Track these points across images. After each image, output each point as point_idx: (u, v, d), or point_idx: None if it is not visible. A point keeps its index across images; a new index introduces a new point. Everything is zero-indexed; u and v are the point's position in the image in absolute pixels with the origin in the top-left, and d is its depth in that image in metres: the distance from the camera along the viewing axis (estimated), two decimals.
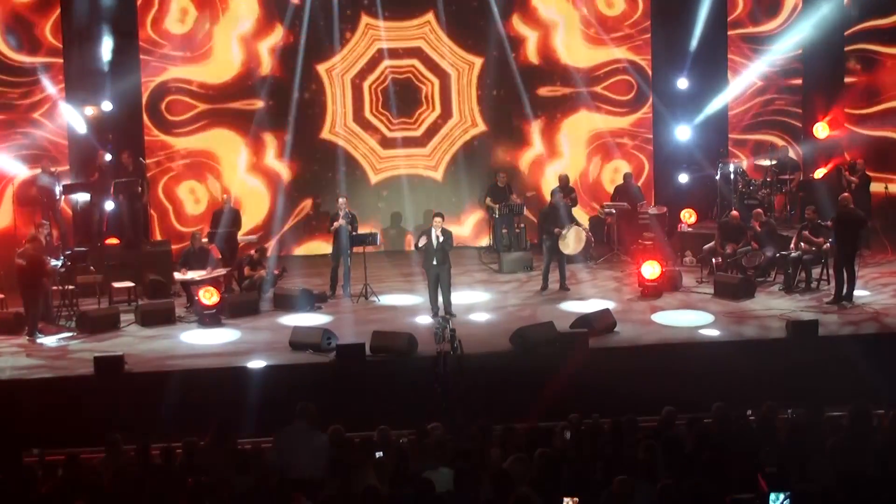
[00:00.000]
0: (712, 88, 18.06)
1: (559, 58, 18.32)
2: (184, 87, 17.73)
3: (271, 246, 17.52)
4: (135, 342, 13.40)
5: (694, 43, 17.77)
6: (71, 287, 14.58)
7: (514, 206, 17.37)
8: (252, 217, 17.86)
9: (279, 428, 9.09)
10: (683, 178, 18.11)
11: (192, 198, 18.02)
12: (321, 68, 18.00)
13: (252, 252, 16.10)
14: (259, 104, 17.81)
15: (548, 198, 16.85)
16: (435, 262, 13.85)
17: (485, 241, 18.33)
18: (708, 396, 9.96)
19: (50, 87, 16.98)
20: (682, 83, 17.96)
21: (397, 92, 18.08)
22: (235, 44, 17.72)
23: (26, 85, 17.13)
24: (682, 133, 18.10)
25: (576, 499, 7.00)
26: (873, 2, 18.02)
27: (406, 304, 14.95)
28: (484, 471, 7.76)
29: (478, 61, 18.24)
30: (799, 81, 18.55)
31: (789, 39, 18.22)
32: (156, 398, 11.42)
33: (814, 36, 17.89)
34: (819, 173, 17.91)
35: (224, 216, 16.21)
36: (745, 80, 18.44)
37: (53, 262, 14.03)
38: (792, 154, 18.32)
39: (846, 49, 18.31)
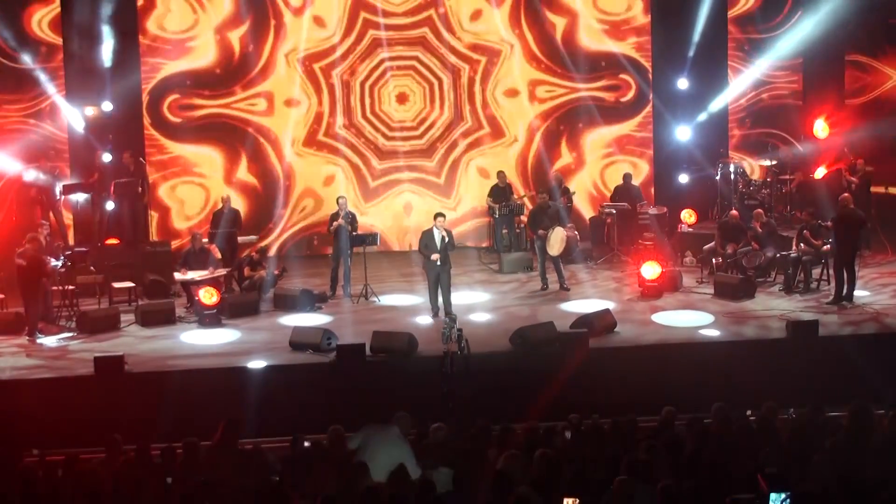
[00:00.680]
0: (712, 88, 18.08)
1: None
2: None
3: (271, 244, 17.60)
4: (135, 342, 13.40)
5: (694, 43, 17.80)
6: (71, 287, 14.57)
7: (515, 206, 17.39)
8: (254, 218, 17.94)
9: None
10: (683, 178, 18.13)
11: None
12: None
13: (252, 252, 16.12)
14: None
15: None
16: (437, 263, 13.85)
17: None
18: (708, 396, 9.96)
19: (50, 87, 16.98)
20: (682, 83, 17.98)
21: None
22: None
23: (26, 85, 17.12)
24: (682, 133, 18.11)
25: (576, 499, 6.99)
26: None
27: (406, 304, 14.95)
28: (484, 471, 7.76)
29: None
30: (799, 81, 18.54)
31: (789, 39, 18.23)
32: (156, 398, 11.41)
33: (814, 36, 17.89)
34: (819, 173, 17.90)
35: (224, 216, 16.22)
36: (746, 79, 18.44)
37: (53, 262, 14.02)
38: (792, 154, 18.33)
39: (846, 48, 18.35)
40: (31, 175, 16.52)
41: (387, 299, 15.13)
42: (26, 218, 16.37)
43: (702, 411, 9.52)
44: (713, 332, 13.17)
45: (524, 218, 17.26)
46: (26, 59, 17.00)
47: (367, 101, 18.23)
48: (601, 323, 13.06)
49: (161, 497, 7.87)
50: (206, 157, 18.05)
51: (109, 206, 16.68)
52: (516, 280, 16.27)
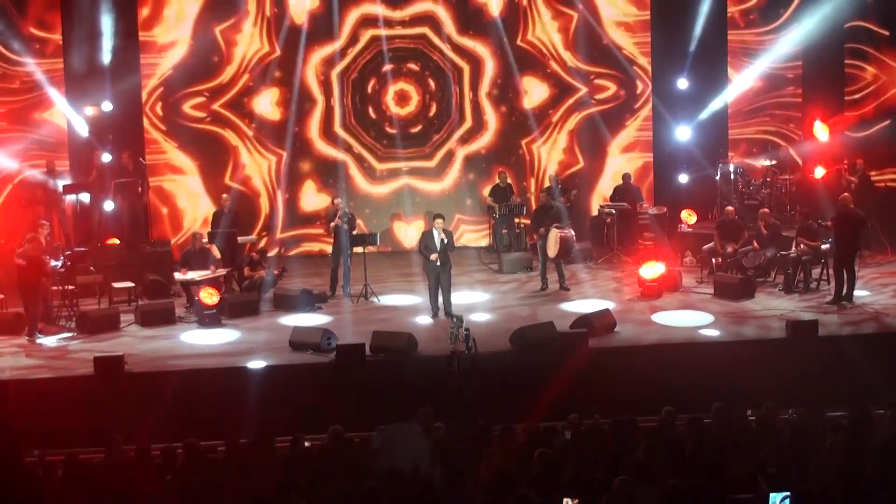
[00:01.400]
0: (712, 88, 18.08)
1: None
2: None
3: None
4: (135, 342, 13.39)
5: (694, 43, 17.80)
6: (71, 287, 14.57)
7: (515, 206, 17.39)
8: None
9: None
10: (683, 178, 18.13)
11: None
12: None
13: (252, 252, 16.13)
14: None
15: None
16: (437, 263, 13.86)
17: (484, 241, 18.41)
18: (708, 396, 9.96)
19: (50, 86, 16.97)
20: (682, 83, 17.98)
21: None
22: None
23: (26, 84, 17.11)
24: (682, 133, 18.11)
25: (576, 499, 7.00)
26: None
27: (406, 304, 14.95)
28: (484, 471, 7.77)
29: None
30: (799, 81, 18.54)
31: (790, 39, 18.23)
32: (156, 398, 11.41)
33: (814, 35, 17.89)
34: (819, 173, 17.89)
35: (224, 217, 16.22)
36: (746, 79, 18.44)
37: (53, 263, 14.02)
38: (792, 154, 18.33)
39: (846, 47, 18.35)
40: (48, 179, 16.52)
41: (387, 299, 15.13)
42: (28, 218, 16.37)
43: (702, 411, 9.52)
44: (713, 332, 13.17)
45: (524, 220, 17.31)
46: (26, 59, 16.97)
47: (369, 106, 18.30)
48: (601, 323, 13.06)
49: (161, 497, 7.86)
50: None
51: (109, 206, 16.66)
52: (516, 280, 16.27)
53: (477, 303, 14.74)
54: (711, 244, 15.59)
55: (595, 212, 18.18)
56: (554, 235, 15.02)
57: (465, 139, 18.41)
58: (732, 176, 17.47)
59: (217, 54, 17.75)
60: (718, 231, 15.59)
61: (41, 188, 16.73)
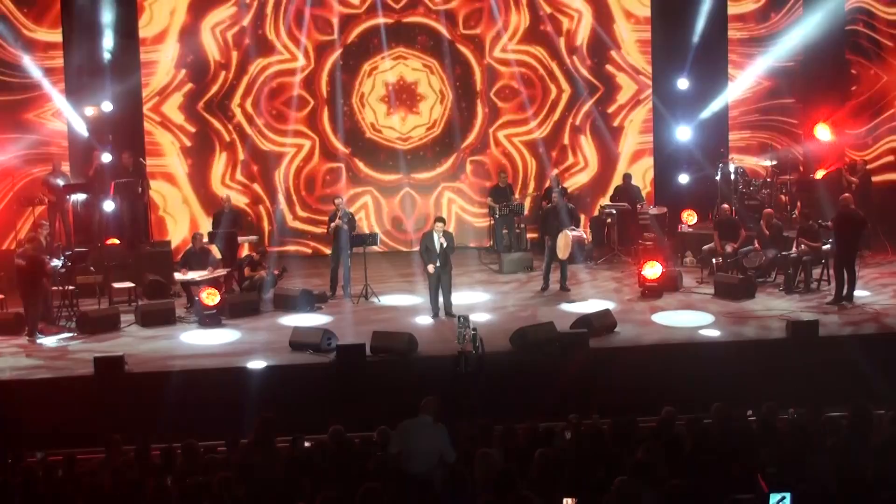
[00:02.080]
0: (712, 88, 18.08)
1: None
2: None
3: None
4: (135, 342, 13.40)
5: (694, 43, 17.80)
6: (71, 287, 14.57)
7: (515, 206, 17.40)
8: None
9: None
10: (683, 178, 18.13)
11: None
12: None
13: (252, 253, 16.12)
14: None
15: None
16: (437, 265, 13.86)
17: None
18: (708, 396, 9.95)
19: (50, 86, 16.97)
20: (683, 83, 17.98)
21: None
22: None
23: (26, 84, 17.10)
24: (682, 133, 18.11)
25: (575, 499, 6.99)
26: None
27: (406, 304, 14.95)
28: (478, 472, 7.76)
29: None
30: (799, 81, 18.55)
31: (790, 39, 18.24)
32: (156, 398, 11.40)
33: (814, 35, 17.90)
34: (819, 174, 17.90)
35: (224, 217, 16.22)
36: (746, 79, 18.45)
37: (53, 263, 14.02)
38: (792, 154, 18.33)
39: (846, 47, 18.36)
40: (54, 179, 16.54)
41: (387, 299, 15.13)
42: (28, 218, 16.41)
43: (702, 411, 9.52)
44: (713, 332, 13.17)
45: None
46: (26, 59, 16.97)
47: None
48: (601, 323, 13.06)
49: (161, 497, 7.86)
50: None
51: (109, 206, 16.67)
52: (516, 280, 16.27)
53: (477, 303, 14.73)
54: (711, 244, 15.60)
55: (595, 212, 18.20)
56: (565, 238, 15.03)
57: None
58: (733, 176, 17.47)
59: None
60: (717, 230, 15.61)
61: (42, 188, 16.72)
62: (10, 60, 17.03)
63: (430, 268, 13.87)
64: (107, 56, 16.83)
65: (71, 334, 13.81)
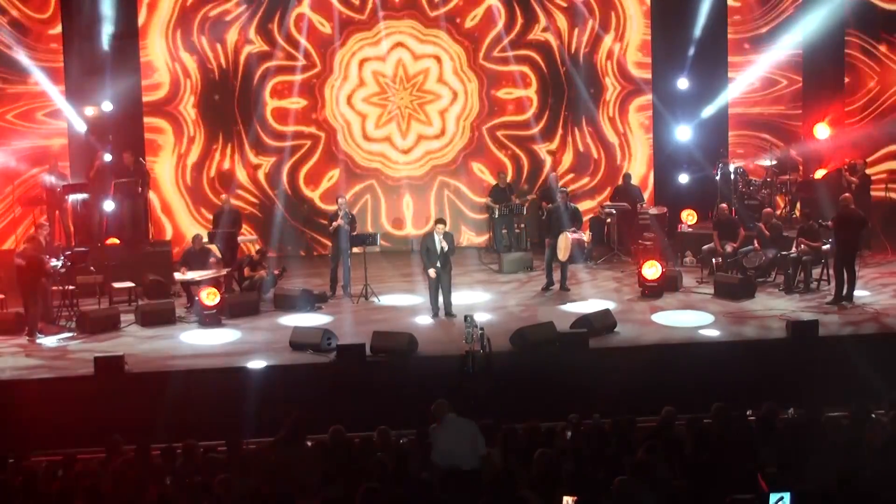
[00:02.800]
0: (712, 88, 18.08)
1: None
2: None
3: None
4: (135, 342, 13.39)
5: (694, 43, 17.80)
6: (71, 287, 14.56)
7: (515, 206, 17.40)
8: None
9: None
10: (683, 178, 18.13)
11: None
12: None
13: (252, 253, 16.12)
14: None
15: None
16: (437, 265, 13.86)
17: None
18: (708, 396, 9.95)
19: (50, 86, 16.97)
20: (683, 83, 17.98)
21: None
22: None
23: (26, 84, 17.10)
24: (682, 133, 18.11)
25: (575, 497, 7.00)
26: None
27: (406, 304, 14.95)
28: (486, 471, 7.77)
29: None
30: (799, 81, 18.54)
31: (789, 38, 18.24)
32: (156, 398, 11.40)
33: (814, 35, 17.90)
34: (819, 173, 17.90)
35: (224, 217, 16.21)
36: (746, 79, 18.45)
37: (53, 263, 14.02)
38: (792, 154, 18.33)
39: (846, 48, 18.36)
40: (52, 179, 16.54)
41: (387, 299, 15.13)
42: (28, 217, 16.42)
43: (702, 411, 9.52)
44: (713, 332, 13.17)
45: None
46: (26, 59, 16.96)
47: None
48: (601, 323, 13.06)
49: (161, 497, 7.86)
50: None
51: (109, 206, 16.67)
52: (516, 280, 16.27)
53: (477, 303, 14.72)
54: (711, 244, 15.60)
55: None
56: (565, 240, 15.03)
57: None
58: (732, 176, 17.47)
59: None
60: (716, 230, 15.63)
61: (42, 188, 16.72)
62: (9, 60, 17.01)
63: (432, 272, 13.88)
64: (107, 56, 16.81)
65: (71, 334, 13.81)
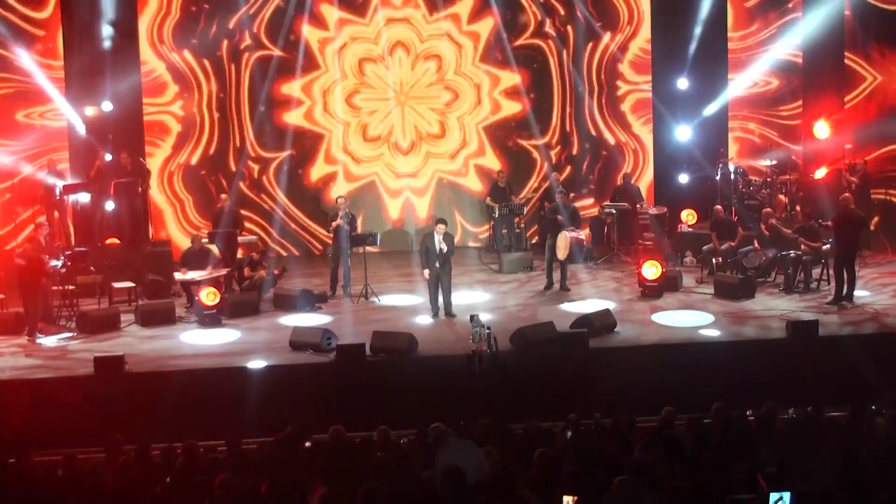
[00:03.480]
0: (712, 88, 18.08)
1: None
2: None
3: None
4: (135, 342, 13.39)
5: (694, 43, 17.81)
6: (71, 287, 14.56)
7: (514, 206, 17.40)
8: None
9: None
10: (683, 178, 18.13)
11: None
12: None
13: (252, 252, 16.12)
14: None
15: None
16: (437, 265, 13.87)
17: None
18: (708, 396, 9.95)
19: (50, 86, 16.97)
20: (682, 83, 17.98)
21: None
22: None
23: (26, 84, 17.10)
24: (682, 133, 18.11)
25: (575, 497, 6.99)
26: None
27: (406, 304, 14.94)
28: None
29: None
30: (799, 80, 18.55)
31: (789, 38, 18.24)
32: (156, 398, 11.41)
33: (814, 35, 17.90)
34: (819, 173, 17.90)
35: (224, 216, 16.21)
36: (746, 79, 18.45)
37: (53, 262, 14.02)
38: (792, 154, 18.33)
39: (846, 48, 18.36)
40: (50, 179, 16.55)
41: (387, 299, 15.13)
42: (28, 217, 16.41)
43: (702, 411, 9.52)
44: (713, 332, 13.17)
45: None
46: (26, 58, 16.95)
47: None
48: (601, 323, 13.06)
49: (161, 497, 7.86)
50: None
51: (109, 206, 16.67)
52: (516, 280, 16.27)
53: (477, 303, 14.72)
54: (710, 245, 15.62)
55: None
56: (564, 238, 15.04)
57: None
58: (732, 176, 17.47)
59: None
60: (714, 231, 15.67)
61: (42, 188, 16.72)
62: (9, 60, 17.01)
63: (427, 273, 13.89)
64: (107, 56, 16.81)
65: (71, 334, 13.81)
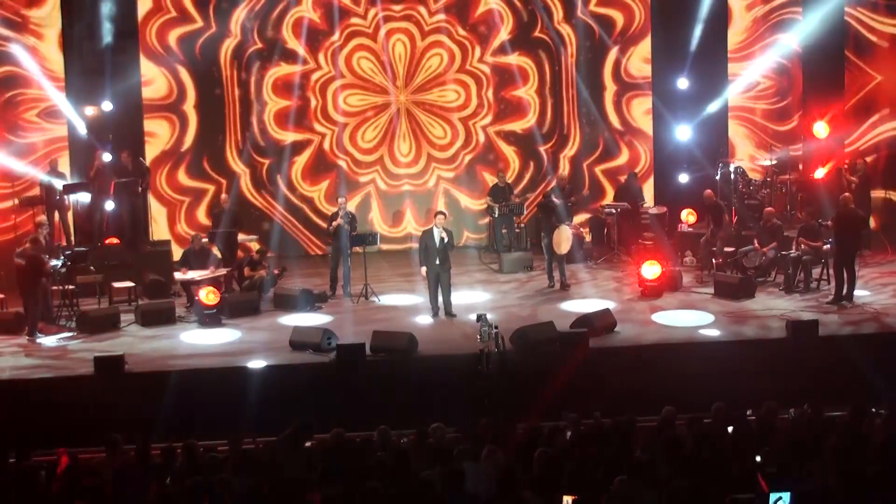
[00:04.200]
0: (712, 88, 18.07)
1: None
2: None
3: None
4: (135, 342, 13.39)
5: (694, 43, 17.81)
6: (71, 287, 14.57)
7: (514, 205, 17.39)
8: None
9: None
10: (683, 178, 18.13)
11: None
12: None
13: (252, 252, 16.12)
14: None
15: None
16: (437, 262, 13.86)
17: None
18: (708, 396, 9.96)
19: (50, 86, 16.96)
20: (683, 83, 17.98)
21: None
22: None
23: (26, 84, 17.08)
24: (682, 133, 18.11)
25: (575, 497, 7.00)
26: None
27: (406, 304, 14.94)
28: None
29: None
30: (799, 80, 18.55)
31: (789, 38, 18.24)
32: (156, 398, 11.40)
33: (814, 34, 17.90)
34: (819, 173, 17.90)
35: (224, 216, 16.21)
36: (746, 79, 18.45)
37: (53, 262, 14.02)
38: (792, 154, 18.33)
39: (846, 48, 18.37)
40: (50, 179, 16.55)
41: (387, 299, 15.13)
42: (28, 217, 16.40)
43: (702, 411, 9.53)
44: (713, 332, 13.17)
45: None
46: (26, 58, 16.95)
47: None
48: (601, 323, 13.06)
49: (161, 497, 7.86)
50: None
51: (109, 205, 16.67)
52: (516, 280, 16.26)
53: (477, 303, 14.72)
54: (706, 234, 15.72)
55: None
56: (567, 232, 15.05)
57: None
58: (732, 176, 17.47)
59: None
60: (710, 217, 15.98)
61: (48, 188, 16.71)
62: (9, 60, 17.00)
63: (423, 270, 13.89)
64: (107, 55, 16.80)
65: (71, 334, 13.81)
